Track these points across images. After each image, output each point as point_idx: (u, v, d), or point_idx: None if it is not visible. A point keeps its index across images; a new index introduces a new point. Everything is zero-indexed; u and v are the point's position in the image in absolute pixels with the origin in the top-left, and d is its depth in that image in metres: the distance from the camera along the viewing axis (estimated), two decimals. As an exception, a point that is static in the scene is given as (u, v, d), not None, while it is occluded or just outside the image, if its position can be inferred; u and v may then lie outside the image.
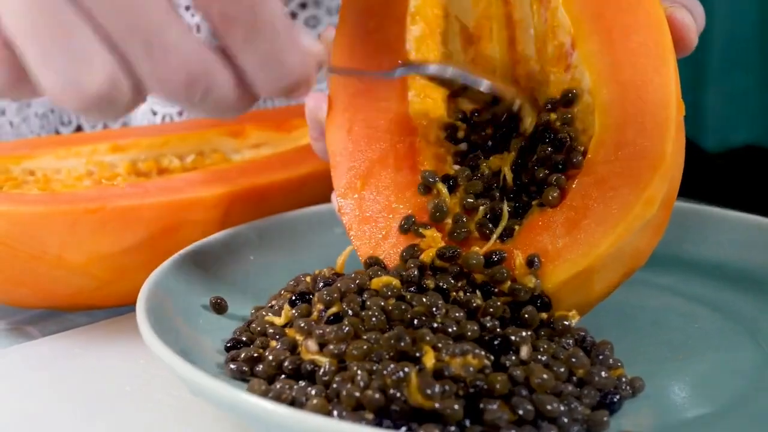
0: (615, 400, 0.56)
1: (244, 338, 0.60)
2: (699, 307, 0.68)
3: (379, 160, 0.66)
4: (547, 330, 0.58)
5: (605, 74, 0.62)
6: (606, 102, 0.61)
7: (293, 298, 0.61)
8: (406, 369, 0.52)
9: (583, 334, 0.59)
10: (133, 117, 0.93)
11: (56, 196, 0.68)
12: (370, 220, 0.64)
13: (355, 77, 0.66)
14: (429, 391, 0.52)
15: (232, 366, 0.57)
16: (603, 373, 0.56)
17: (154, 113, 0.91)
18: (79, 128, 0.95)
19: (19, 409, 0.61)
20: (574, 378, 0.56)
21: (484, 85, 0.64)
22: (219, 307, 0.65)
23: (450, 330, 0.55)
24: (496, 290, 0.59)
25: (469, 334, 0.55)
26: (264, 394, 0.54)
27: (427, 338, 0.54)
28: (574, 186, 0.61)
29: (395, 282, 0.58)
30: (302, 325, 0.58)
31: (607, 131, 0.61)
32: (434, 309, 0.57)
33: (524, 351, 0.56)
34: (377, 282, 0.59)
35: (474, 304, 0.57)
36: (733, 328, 0.65)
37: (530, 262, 0.59)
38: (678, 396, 0.58)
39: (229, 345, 0.60)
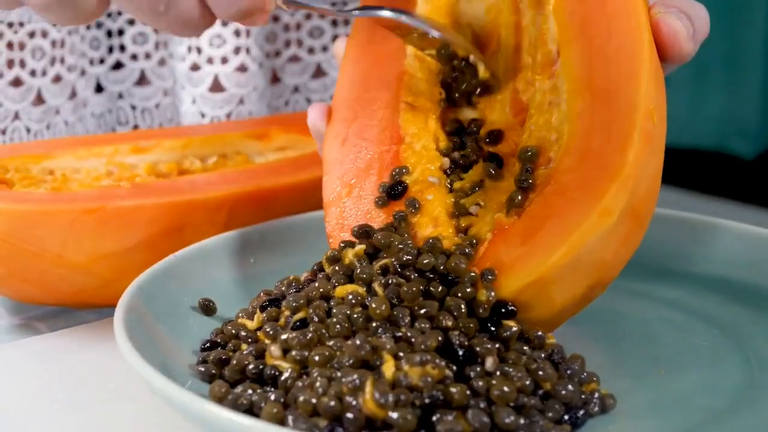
0: (579, 415, 0.55)
1: (218, 340, 0.61)
2: (697, 322, 0.66)
3: (365, 169, 0.66)
4: (520, 343, 0.58)
5: (581, 82, 0.61)
6: (577, 110, 0.60)
7: (264, 303, 0.61)
8: (363, 377, 0.52)
9: (555, 348, 0.58)
10: (183, 118, 0.94)
11: (58, 195, 0.69)
12: (349, 228, 0.64)
13: (309, 8, 0.66)
14: (382, 400, 0.51)
15: (200, 368, 0.58)
16: (570, 387, 0.55)
17: (203, 115, 0.93)
18: (135, 128, 0.97)
19: (12, 402, 0.62)
20: (540, 391, 0.55)
21: (436, 33, 0.65)
22: (207, 309, 0.65)
23: (413, 340, 0.55)
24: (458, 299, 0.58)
25: (431, 343, 0.55)
26: (222, 398, 0.55)
27: (388, 347, 0.54)
28: (536, 195, 0.60)
29: (361, 290, 0.58)
30: (269, 330, 0.58)
31: (575, 139, 0.60)
32: (400, 318, 0.56)
33: (489, 362, 0.55)
34: (341, 290, 0.59)
35: (444, 324, 0.56)
36: (726, 345, 0.63)
37: (483, 275, 0.58)
38: (650, 414, 0.57)
39: (204, 346, 0.61)
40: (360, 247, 0.60)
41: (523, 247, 0.58)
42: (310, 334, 0.56)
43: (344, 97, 0.68)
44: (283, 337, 0.56)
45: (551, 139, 0.62)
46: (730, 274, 0.70)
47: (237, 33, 0.92)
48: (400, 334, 0.55)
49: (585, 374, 0.57)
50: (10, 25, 0.88)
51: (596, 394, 0.56)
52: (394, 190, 0.64)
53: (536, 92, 0.64)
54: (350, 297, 0.58)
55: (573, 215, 0.57)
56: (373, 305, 0.56)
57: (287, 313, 0.59)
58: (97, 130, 0.95)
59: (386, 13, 0.64)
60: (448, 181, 0.65)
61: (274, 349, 0.56)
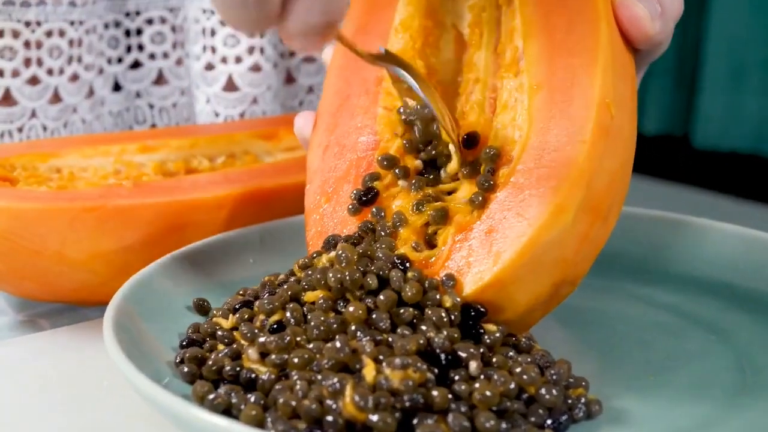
0: (561, 420, 0.54)
1: (195, 337, 0.61)
2: (693, 327, 0.66)
3: (343, 176, 0.65)
4: (506, 348, 0.57)
5: (541, 77, 0.60)
6: (537, 106, 0.60)
7: (236, 306, 0.61)
8: (343, 380, 0.52)
9: (541, 353, 0.58)
10: (198, 117, 0.94)
11: (58, 193, 0.70)
12: (323, 234, 0.64)
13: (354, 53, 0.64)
14: (362, 403, 0.51)
15: (185, 368, 0.58)
16: (553, 392, 0.55)
17: (217, 114, 0.93)
18: (153, 126, 0.97)
19: (10, 397, 0.63)
20: (525, 396, 0.55)
21: (434, 112, 0.62)
22: (202, 308, 0.65)
23: (393, 343, 0.55)
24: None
25: (412, 347, 0.54)
26: (202, 398, 0.55)
27: (368, 350, 0.54)
28: (495, 195, 0.59)
29: (328, 295, 0.58)
30: (246, 332, 0.58)
31: (533, 137, 0.59)
32: (380, 322, 0.56)
33: (473, 366, 0.55)
34: (311, 296, 0.59)
35: (427, 332, 0.56)
36: (721, 350, 0.63)
37: (443, 282, 0.58)
38: (635, 420, 0.56)
39: (183, 343, 0.61)
40: (332, 255, 0.60)
41: (481, 248, 0.58)
42: (288, 338, 0.56)
43: (327, 104, 0.68)
44: (261, 340, 0.56)
45: (515, 138, 0.61)
46: (733, 279, 0.69)
47: None
48: (380, 338, 0.55)
49: (572, 379, 0.57)
50: (27, 24, 0.88)
51: (582, 399, 0.56)
52: (365, 197, 0.64)
53: (503, 90, 0.63)
54: (321, 302, 0.57)
55: (528, 214, 0.57)
56: (350, 309, 0.56)
57: (262, 316, 0.59)
58: (114, 128, 0.95)
59: (408, 79, 0.61)
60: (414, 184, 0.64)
61: (252, 352, 0.56)
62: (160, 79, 0.96)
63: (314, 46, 0.58)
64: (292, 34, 0.56)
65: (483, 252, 0.58)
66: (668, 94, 1.88)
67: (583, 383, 0.57)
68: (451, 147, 0.63)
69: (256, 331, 0.58)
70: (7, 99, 0.89)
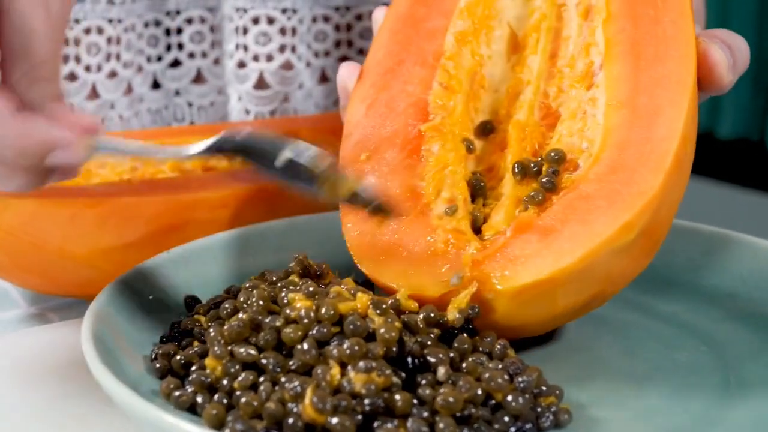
0: (526, 428, 0.54)
1: (175, 334, 0.61)
2: (688, 338, 0.65)
3: (388, 139, 0.67)
4: (478, 354, 0.57)
5: (622, 97, 0.62)
6: (614, 124, 0.61)
7: (214, 304, 0.62)
8: (305, 383, 0.53)
9: (513, 360, 0.57)
10: (230, 115, 0.95)
11: (62, 189, 0.71)
12: None
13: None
14: (320, 405, 0.52)
15: (157, 364, 0.59)
16: (520, 399, 0.54)
17: (248, 112, 0.94)
18: (191, 124, 0.98)
19: (11, 388, 0.64)
20: (492, 402, 0.54)
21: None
22: (191, 307, 0.66)
23: (356, 348, 0.54)
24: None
25: (379, 351, 0.54)
26: (168, 395, 0.56)
27: (335, 353, 0.54)
28: (559, 197, 0.61)
29: (308, 303, 0.58)
30: (212, 333, 0.58)
31: (607, 151, 0.61)
32: (351, 327, 0.56)
33: (441, 372, 0.55)
34: (293, 297, 0.58)
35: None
36: (709, 363, 0.62)
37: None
38: (605, 430, 0.55)
39: (162, 340, 0.61)
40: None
41: (540, 244, 0.59)
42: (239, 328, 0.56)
43: (377, 63, 0.70)
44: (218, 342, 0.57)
45: (581, 147, 0.63)
46: (738, 290, 0.68)
47: (282, 31, 0.93)
48: (349, 341, 0.55)
49: (545, 387, 0.56)
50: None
51: (552, 408, 0.55)
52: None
53: (571, 100, 0.65)
54: (302, 314, 0.57)
55: (594, 224, 0.58)
56: (322, 310, 0.56)
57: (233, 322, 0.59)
58: (152, 125, 0.97)
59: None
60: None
61: (216, 351, 0.56)
62: (198, 78, 0.97)
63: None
64: None
65: (542, 248, 0.59)
66: (746, 99, 1.85)
67: (557, 392, 0.56)
68: None
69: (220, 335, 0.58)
70: (45, 95, 0.91)
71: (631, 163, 0.60)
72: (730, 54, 0.64)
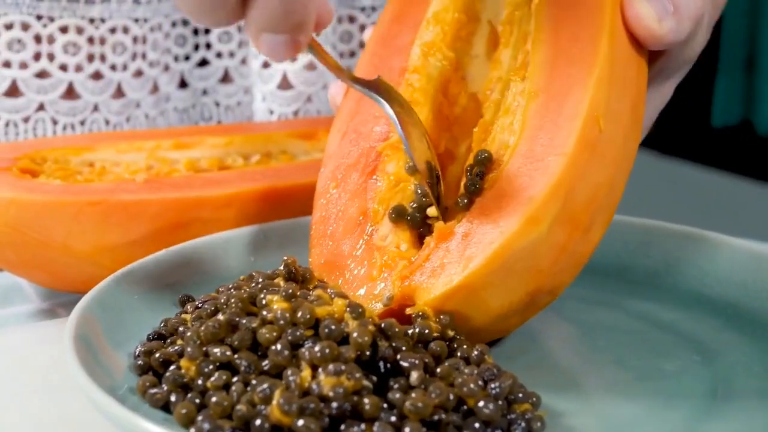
0: (496, 435, 0.53)
1: (162, 332, 0.61)
2: (682, 347, 0.63)
3: (354, 163, 0.66)
4: (454, 359, 0.56)
5: (541, 83, 0.60)
6: (531, 112, 0.59)
7: (198, 304, 0.62)
8: (274, 385, 0.53)
9: (489, 366, 0.56)
10: (255, 114, 0.96)
11: (66, 187, 0.71)
12: (326, 220, 0.65)
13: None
14: (286, 407, 0.52)
15: (138, 360, 0.59)
16: (491, 406, 0.53)
17: (271, 112, 0.94)
18: (219, 123, 0.99)
19: (11, 381, 0.65)
20: (464, 408, 0.54)
21: (413, 161, 0.62)
22: (185, 305, 0.66)
23: (327, 351, 0.54)
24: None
25: (350, 354, 0.54)
26: (143, 392, 0.56)
27: (307, 355, 0.54)
28: (480, 199, 0.59)
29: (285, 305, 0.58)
30: (188, 333, 0.58)
31: (522, 143, 0.59)
32: (326, 331, 0.55)
33: (414, 376, 0.54)
34: (271, 299, 0.58)
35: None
36: (699, 372, 0.60)
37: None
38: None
39: (149, 338, 0.61)
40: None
41: (456, 252, 0.58)
42: (239, 342, 0.56)
43: (354, 89, 0.68)
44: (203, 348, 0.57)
45: (509, 143, 0.61)
46: (739, 298, 0.67)
47: None
48: (322, 344, 0.55)
49: (522, 394, 0.56)
50: (92, 20, 0.91)
51: (527, 415, 0.54)
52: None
53: (509, 93, 0.63)
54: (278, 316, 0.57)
55: (501, 222, 0.57)
56: (299, 313, 0.56)
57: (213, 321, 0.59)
58: (179, 124, 0.97)
59: (385, 108, 0.62)
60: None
61: (190, 350, 0.57)
62: (225, 78, 0.97)
63: (283, 51, 0.58)
64: (255, 31, 0.56)
65: (457, 256, 0.58)
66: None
67: (533, 399, 0.56)
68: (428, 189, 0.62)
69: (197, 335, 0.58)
70: (71, 93, 0.92)
71: (539, 152, 0.58)
72: (666, 2, 0.60)
